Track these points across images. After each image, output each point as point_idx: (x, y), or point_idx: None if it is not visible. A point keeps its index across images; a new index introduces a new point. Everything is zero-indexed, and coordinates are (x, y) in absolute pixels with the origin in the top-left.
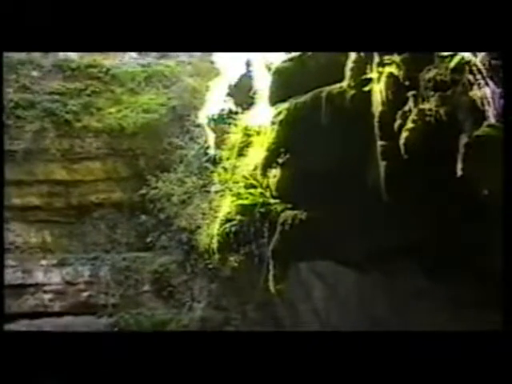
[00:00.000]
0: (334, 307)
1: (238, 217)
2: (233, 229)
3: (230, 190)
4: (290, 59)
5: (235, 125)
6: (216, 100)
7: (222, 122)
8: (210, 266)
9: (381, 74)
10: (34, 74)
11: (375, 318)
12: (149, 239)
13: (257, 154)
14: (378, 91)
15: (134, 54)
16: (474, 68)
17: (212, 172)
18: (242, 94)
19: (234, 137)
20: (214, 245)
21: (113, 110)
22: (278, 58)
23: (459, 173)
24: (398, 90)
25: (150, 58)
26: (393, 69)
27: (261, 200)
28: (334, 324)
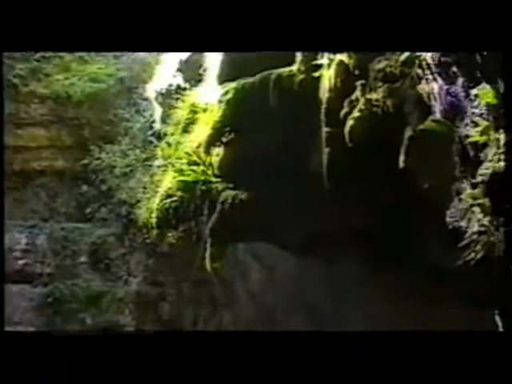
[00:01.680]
0: (270, 290)
1: (179, 193)
2: (173, 205)
3: (173, 166)
4: None
5: (182, 101)
6: (165, 74)
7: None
8: (148, 241)
9: (331, 60)
10: None
11: (311, 304)
12: (88, 210)
13: (202, 131)
14: (327, 78)
15: None
16: (424, 63)
17: (156, 146)
18: (192, 71)
19: (180, 113)
20: (153, 220)
21: (60, 76)
22: None
23: (401, 164)
24: (346, 78)
25: None
26: (344, 57)
27: (202, 178)
28: (269, 307)
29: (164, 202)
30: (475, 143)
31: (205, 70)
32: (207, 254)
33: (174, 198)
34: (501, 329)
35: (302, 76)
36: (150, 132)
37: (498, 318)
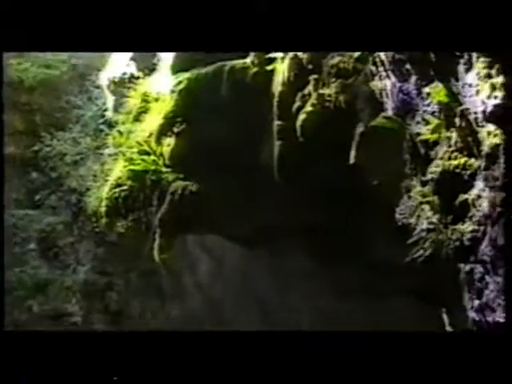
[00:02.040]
0: (218, 282)
1: (129, 182)
2: (122, 194)
3: (123, 155)
4: None
5: (135, 90)
6: (119, 63)
7: None
8: (97, 230)
9: (285, 54)
10: None
11: (260, 296)
12: (38, 197)
13: (153, 121)
14: (281, 71)
15: None
16: (378, 60)
17: (107, 135)
18: (146, 60)
19: (133, 101)
20: (103, 208)
21: (14, 61)
22: None
23: (352, 160)
24: (300, 73)
25: None
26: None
27: (153, 167)
28: (217, 299)
29: (114, 190)
30: (426, 141)
31: (158, 60)
32: (156, 245)
33: (124, 187)
34: (447, 326)
35: (255, 69)
36: (101, 120)
37: (444, 316)
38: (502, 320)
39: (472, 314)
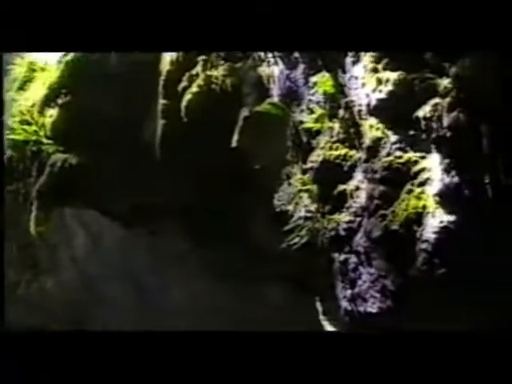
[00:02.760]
0: (94, 258)
1: (9, 152)
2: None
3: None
4: None
5: (22, 58)
6: None
7: None
8: None
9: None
10: None
11: (135, 275)
12: None
13: (38, 90)
14: None
15: None
16: None
17: None
18: None
19: (19, 69)
20: None
21: None
22: None
23: (234, 144)
24: (189, 53)
25: None
26: None
27: (34, 138)
28: (92, 274)
29: None
30: (309, 130)
31: None
32: (32, 217)
33: (4, 157)
34: (321, 314)
35: None
36: None
37: (318, 304)
38: (373, 311)
39: (344, 304)
